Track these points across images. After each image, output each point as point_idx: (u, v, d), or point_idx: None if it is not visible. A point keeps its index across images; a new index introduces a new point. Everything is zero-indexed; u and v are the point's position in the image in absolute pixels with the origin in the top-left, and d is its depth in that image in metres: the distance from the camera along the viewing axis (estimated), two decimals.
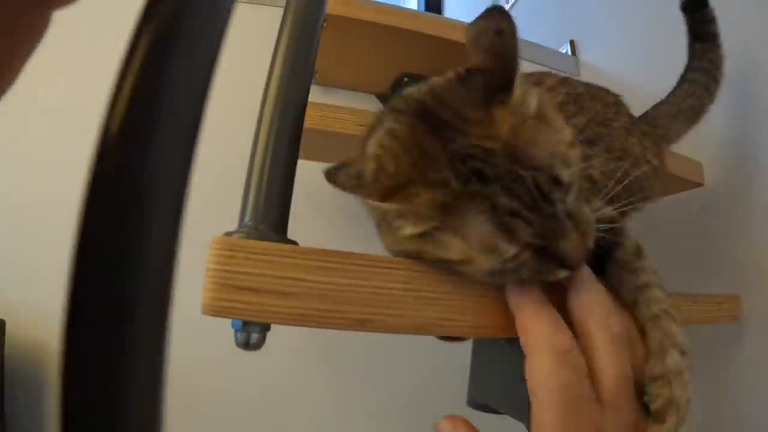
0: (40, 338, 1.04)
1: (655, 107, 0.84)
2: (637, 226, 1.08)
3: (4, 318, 0.95)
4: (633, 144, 0.65)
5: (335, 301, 0.35)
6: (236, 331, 0.37)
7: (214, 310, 0.33)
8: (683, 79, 0.85)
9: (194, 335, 0.89)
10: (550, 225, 0.37)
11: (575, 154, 0.40)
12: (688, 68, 0.86)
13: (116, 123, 0.10)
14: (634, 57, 1.23)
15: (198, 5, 0.11)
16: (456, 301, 0.39)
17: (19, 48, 0.13)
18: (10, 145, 1.08)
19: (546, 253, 0.38)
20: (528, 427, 0.70)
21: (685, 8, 0.86)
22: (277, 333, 0.40)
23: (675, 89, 0.85)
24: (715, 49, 0.84)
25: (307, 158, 0.86)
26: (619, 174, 0.59)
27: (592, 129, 0.62)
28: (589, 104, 0.66)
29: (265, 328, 0.37)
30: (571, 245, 0.37)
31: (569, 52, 1.51)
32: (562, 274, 0.39)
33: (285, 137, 0.38)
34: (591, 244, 0.40)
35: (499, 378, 0.83)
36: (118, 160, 0.10)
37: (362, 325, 0.35)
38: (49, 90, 1.09)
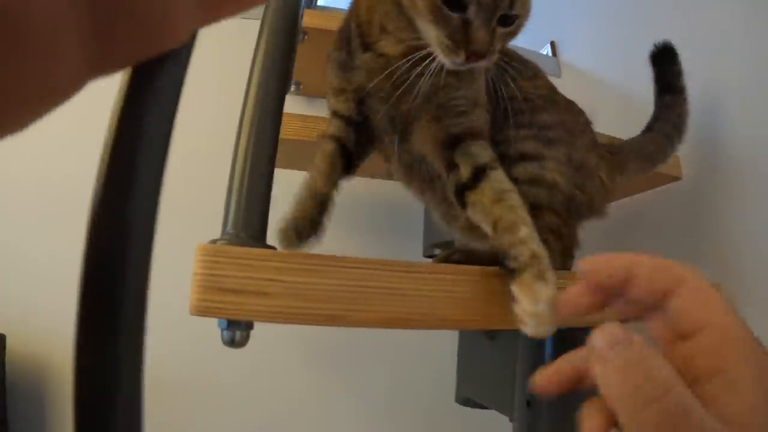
0: (41, 352, 1.06)
1: (620, 143, 0.86)
2: (619, 221, 1.12)
3: (4, 333, 0.97)
4: (590, 159, 0.69)
5: (307, 299, 0.38)
6: (222, 330, 0.40)
7: (201, 310, 0.37)
8: (650, 128, 0.88)
9: (184, 335, 0.92)
10: (485, 16, 0.50)
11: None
12: (657, 118, 0.88)
13: (103, 179, 0.14)
14: (614, 58, 1.25)
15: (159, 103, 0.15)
16: (421, 297, 0.42)
17: (40, 103, 0.13)
18: (10, 162, 1.10)
19: (468, 29, 0.50)
20: (511, 419, 0.73)
21: (655, 61, 0.89)
22: (264, 332, 0.44)
23: (641, 134, 0.88)
24: (682, 103, 0.87)
25: (292, 168, 0.89)
26: (574, 181, 0.63)
27: (556, 131, 0.66)
28: (563, 111, 0.71)
29: (249, 326, 0.40)
30: (483, 37, 0.50)
31: (550, 53, 1.53)
32: (460, 57, 0.51)
33: (261, 154, 0.42)
34: (489, 61, 0.53)
35: (484, 374, 0.86)
36: (110, 201, 0.14)
37: (332, 320, 0.39)
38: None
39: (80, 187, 1.12)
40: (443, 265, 0.44)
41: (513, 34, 0.56)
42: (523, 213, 0.51)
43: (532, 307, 0.45)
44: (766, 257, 0.83)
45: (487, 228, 0.52)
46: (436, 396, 1.14)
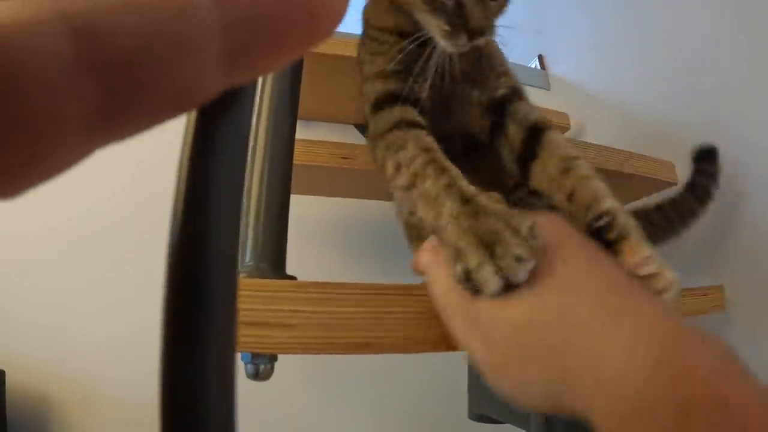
0: (41, 388, 1.05)
1: None
2: None
3: (3, 368, 0.96)
4: None
5: (333, 329, 0.38)
6: (246, 363, 0.40)
7: None
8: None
9: None
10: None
11: None
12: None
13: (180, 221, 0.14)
14: (602, 69, 1.26)
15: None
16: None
17: (33, 176, 0.11)
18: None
19: (463, 10, 0.51)
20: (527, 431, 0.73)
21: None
22: (284, 363, 0.43)
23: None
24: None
25: (298, 192, 0.89)
26: None
27: None
28: None
29: (273, 358, 0.40)
30: (480, 14, 0.51)
31: (538, 67, 1.53)
32: (462, 39, 0.52)
33: (276, 183, 0.41)
34: (490, 35, 0.54)
35: (496, 411, 0.86)
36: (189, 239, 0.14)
37: (359, 348, 0.38)
38: None
39: (81, 223, 1.11)
40: None
41: (504, 6, 0.57)
42: (597, 182, 0.49)
43: (668, 272, 0.42)
44: (762, 258, 0.84)
45: (560, 198, 0.51)
46: (448, 413, 1.13)
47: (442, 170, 0.47)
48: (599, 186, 0.49)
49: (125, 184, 1.14)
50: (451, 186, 0.45)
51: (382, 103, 0.58)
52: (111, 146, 0.13)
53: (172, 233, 0.13)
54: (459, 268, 0.38)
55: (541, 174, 0.53)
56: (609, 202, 0.46)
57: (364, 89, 0.61)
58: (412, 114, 0.57)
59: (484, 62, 0.61)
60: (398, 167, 0.50)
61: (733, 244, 0.89)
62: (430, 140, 0.52)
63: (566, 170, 0.51)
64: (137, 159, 1.06)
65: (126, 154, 1.02)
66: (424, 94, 0.58)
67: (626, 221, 0.45)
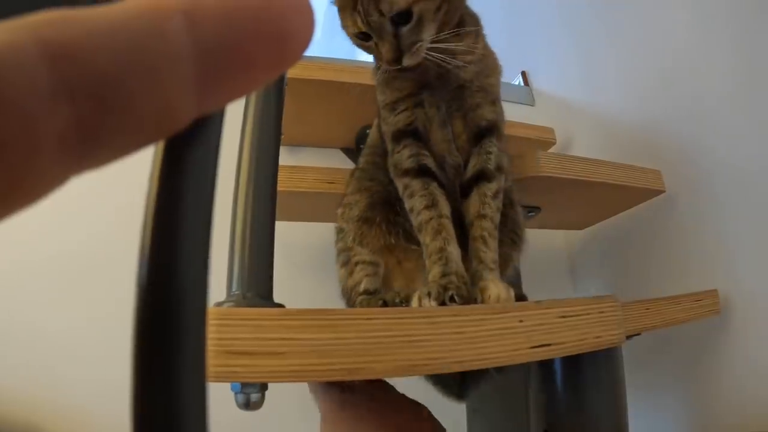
0: (31, 425, 1.03)
1: None
2: (612, 238, 1.11)
3: None
4: None
5: (324, 355, 0.38)
6: (236, 393, 0.39)
7: (214, 376, 0.36)
8: None
9: None
10: (379, 33, 0.59)
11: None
12: None
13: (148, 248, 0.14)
14: (586, 82, 1.27)
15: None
16: (435, 341, 0.42)
17: (9, 205, 0.11)
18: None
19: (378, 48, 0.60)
20: None
21: None
22: (277, 389, 0.43)
23: None
24: None
25: (279, 219, 0.89)
26: None
27: None
28: None
29: (264, 387, 0.39)
30: (388, 50, 0.59)
31: (521, 83, 1.54)
32: (384, 67, 0.62)
33: (261, 211, 0.41)
34: (413, 58, 0.59)
35: (494, 407, 0.85)
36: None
37: (350, 374, 0.38)
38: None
39: (71, 258, 1.10)
40: (456, 307, 0.44)
41: (426, 21, 0.60)
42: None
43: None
44: (754, 261, 0.84)
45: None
46: None
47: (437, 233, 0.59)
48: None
49: (115, 220, 1.13)
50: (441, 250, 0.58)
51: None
52: (86, 173, 0.13)
53: (140, 267, 0.13)
54: None
55: (466, 209, 0.65)
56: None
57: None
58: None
59: (465, 93, 0.66)
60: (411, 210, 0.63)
61: (723, 247, 0.90)
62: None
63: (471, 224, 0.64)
64: (127, 192, 1.06)
65: (116, 187, 1.02)
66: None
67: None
